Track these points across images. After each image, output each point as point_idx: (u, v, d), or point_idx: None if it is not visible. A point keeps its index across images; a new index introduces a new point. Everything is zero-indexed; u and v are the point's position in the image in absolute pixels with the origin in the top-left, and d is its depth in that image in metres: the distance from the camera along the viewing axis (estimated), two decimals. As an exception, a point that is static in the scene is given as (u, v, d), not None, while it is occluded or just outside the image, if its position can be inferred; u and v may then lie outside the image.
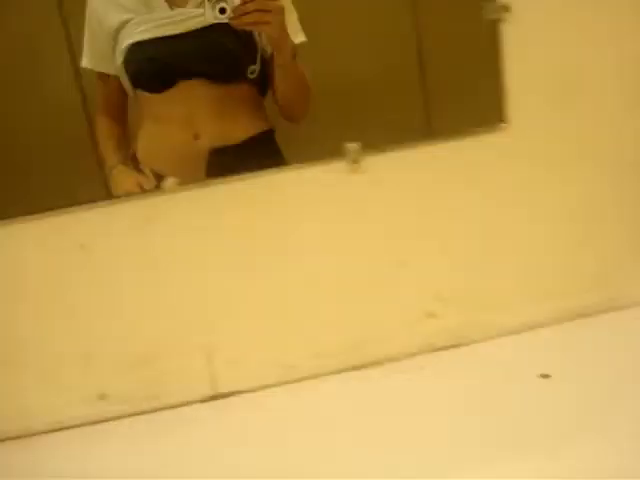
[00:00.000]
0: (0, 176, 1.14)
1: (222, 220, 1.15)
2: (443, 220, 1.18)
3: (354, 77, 1.15)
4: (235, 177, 1.12)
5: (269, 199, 1.15)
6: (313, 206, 1.16)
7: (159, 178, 1.15)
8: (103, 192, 1.15)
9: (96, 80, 1.13)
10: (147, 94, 1.12)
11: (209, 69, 1.10)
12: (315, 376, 1.19)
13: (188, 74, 1.10)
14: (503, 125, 1.14)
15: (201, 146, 1.13)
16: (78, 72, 1.13)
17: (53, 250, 1.14)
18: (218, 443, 1.11)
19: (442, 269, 1.19)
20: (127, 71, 1.11)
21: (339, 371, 1.20)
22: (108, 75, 1.13)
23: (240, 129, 1.14)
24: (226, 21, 1.06)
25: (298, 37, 1.11)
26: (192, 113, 1.12)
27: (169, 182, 1.10)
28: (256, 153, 1.15)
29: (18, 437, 1.18)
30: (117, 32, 1.10)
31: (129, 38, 1.09)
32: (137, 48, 1.09)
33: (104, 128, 1.16)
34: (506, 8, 1.09)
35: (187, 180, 1.13)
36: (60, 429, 1.18)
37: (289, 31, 1.09)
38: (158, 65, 1.11)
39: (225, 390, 1.20)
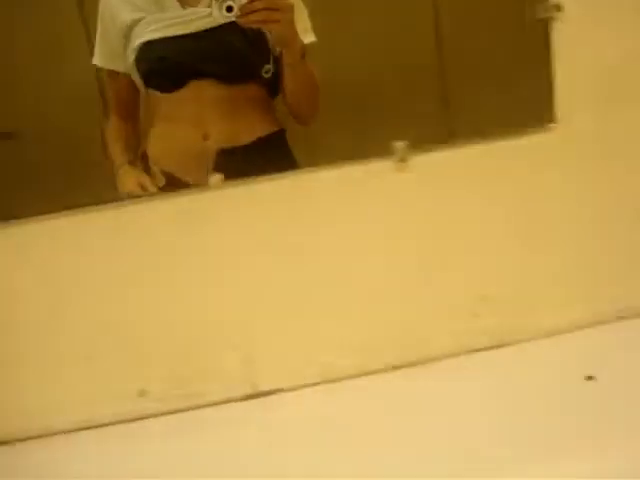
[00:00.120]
0: (30, 173, 1.13)
1: (264, 218, 1.14)
2: (489, 220, 1.17)
3: (390, 75, 1.15)
4: (278, 175, 1.11)
5: (312, 197, 1.14)
6: (358, 205, 1.15)
7: (169, 178, 1.14)
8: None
9: (106, 78, 1.13)
10: (158, 93, 1.12)
11: (219, 70, 1.10)
12: (356, 375, 1.18)
13: (198, 74, 1.10)
14: (552, 125, 1.13)
15: (209, 146, 1.13)
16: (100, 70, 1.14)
17: (95, 246, 1.12)
18: (257, 442, 1.10)
19: (487, 269, 1.18)
20: (138, 70, 1.11)
21: (380, 371, 1.19)
22: (119, 73, 1.12)
23: (249, 130, 1.14)
24: (233, 19, 1.05)
25: (307, 37, 1.10)
26: (202, 113, 1.12)
27: (215, 179, 1.09)
28: (265, 154, 1.14)
29: (53, 434, 1.16)
30: (129, 30, 1.10)
31: (141, 37, 1.09)
32: (148, 47, 1.09)
33: (113, 128, 1.16)
34: (558, 7, 1.08)
35: (195, 181, 1.12)
36: (97, 426, 1.17)
37: (298, 30, 1.08)
38: (169, 65, 1.10)
39: (264, 388, 1.19)
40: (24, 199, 1.12)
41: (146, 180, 1.16)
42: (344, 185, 1.14)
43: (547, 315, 1.20)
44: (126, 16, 1.10)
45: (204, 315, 1.16)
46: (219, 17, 1.05)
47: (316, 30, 1.14)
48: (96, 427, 1.16)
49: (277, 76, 1.13)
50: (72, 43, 1.14)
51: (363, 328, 1.19)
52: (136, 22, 1.09)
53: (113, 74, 1.13)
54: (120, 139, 1.16)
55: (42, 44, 1.13)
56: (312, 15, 1.14)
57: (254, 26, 1.06)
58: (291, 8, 1.06)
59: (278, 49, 1.11)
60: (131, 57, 1.10)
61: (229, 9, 1.04)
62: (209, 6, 1.07)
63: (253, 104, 1.13)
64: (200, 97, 1.11)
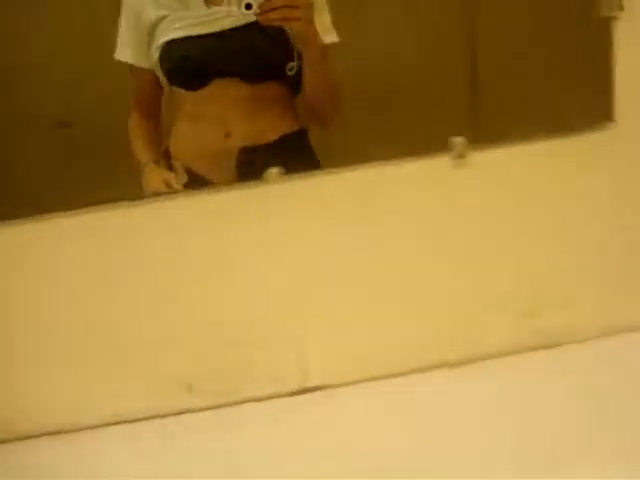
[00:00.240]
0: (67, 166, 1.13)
1: (321, 213, 1.13)
2: (544, 218, 1.17)
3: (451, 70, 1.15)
4: (338, 169, 1.11)
5: (369, 193, 1.13)
6: (414, 201, 1.15)
7: (192, 175, 1.14)
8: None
9: (130, 73, 1.12)
10: (182, 91, 1.12)
11: (242, 69, 1.10)
12: (408, 373, 1.18)
13: (222, 73, 1.10)
14: (611, 124, 1.13)
15: (232, 145, 1.13)
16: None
17: (149, 235, 1.11)
18: (306, 438, 1.10)
19: (542, 267, 1.18)
20: (162, 68, 1.11)
21: (432, 368, 1.18)
22: (142, 69, 1.12)
23: (271, 129, 1.14)
24: (253, 17, 1.05)
25: (329, 37, 1.10)
26: (224, 112, 1.12)
27: (273, 172, 1.09)
28: (287, 153, 1.14)
29: (112, 424, 1.15)
30: (153, 27, 1.10)
31: (165, 35, 1.09)
32: (172, 46, 1.09)
33: (135, 126, 1.16)
34: (621, 6, 1.08)
35: (218, 178, 1.12)
36: (145, 419, 1.16)
37: (319, 29, 1.08)
38: (192, 64, 1.11)
39: (315, 384, 1.18)
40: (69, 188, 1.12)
41: (171, 178, 1.16)
42: (400, 181, 1.14)
43: (602, 314, 1.20)
44: (150, 13, 1.10)
45: (256, 308, 1.15)
46: (238, 15, 1.06)
47: (348, 28, 1.13)
48: (135, 421, 1.15)
49: (300, 75, 1.13)
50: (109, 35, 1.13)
51: (414, 326, 1.18)
52: (160, 19, 1.09)
53: (137, 70, 1.13)
54: (143, 137, 1.16)
55: (79, 35, 1.13)
56: (342, 13, 1.13)
57: (274, 24, 1.06)
58: (310, 6, 1.06)
59: (298, 47, 1.11)
60: (155, 55, 1.11)
61: (248, 7, 1.04)
62: (233, 5, 1.07)
63: (275, 103, 1.14)
64: (223, 96, 1.11)
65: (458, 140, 1.11)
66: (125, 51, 1.11)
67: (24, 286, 1.12)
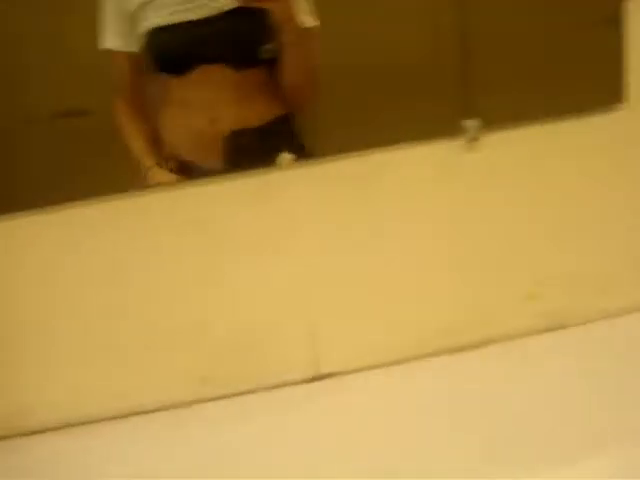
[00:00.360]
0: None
1: (330, 199, 1.12)
2: (553, 201, 1.17)
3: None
4: (345, 154, 1.10)
5: (378, 177, 1.12)
6: (425, 184, 1.14)
7: (181, 162, 1.12)
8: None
9: (113, 61, 1.10)
10: (168, 77, 1.10)
11: (227, 55, 1.09)
12: (418, 358, 1.18)
13: (207, 59, 1.09)
14: (621, 105, 1.13)
15: (218, 130, 1.11)
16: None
17: (156, 228, 1.10)
18: (318, 425, 1.10)
19: (546, 251, 1.18)
20: (147, 54, 1.09)
21: (439, 353, 1.18)
22: (125, 53, 1.10)
23: (257, 114, 1.13)
24: (236, 3, 1.04)
25: (309, 21, 1.09)
26: (211, 97, 1.11)
27: (284, 158, 1.08)
28: (273, 138, 1.14)
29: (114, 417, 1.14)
30: (136, 13, 1.08)
31: (149, 22, 1.08)
32: (157, 32, 1.08)
33: (127, 121, 1.13)
34: (633, -12, 1.08)
35: (206, 164, 1.12)
36: (159, 410, 1.15)
37: (300, 13, 1.07)
38: (178, 50, 1.10)
39: (327, 371, 1.17)
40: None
41: (174, 180, 1.14)
42: (410, 165, 1.13)
43: (605, 297, 1.21)
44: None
45: (268, 297, 1.14)
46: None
47: (339, 10, 1.11)
48: (150, 412, 1.14)
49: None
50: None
51: (424, 311, 1.18)
52: (143, 5, 1.08)
53: (119, 56, 1.11)
54: (140, 138, 1.14)
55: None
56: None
57: (254, 5, 1.05)
58: None
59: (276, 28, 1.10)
60: (139, 42, 1.09)
61: None
62: None
63: (261, 88, 1.13)
64: (209, 82, 1.10)
65: (471, 123, 1.10)
66: (108, 38, 1.09)
67: (27, 280, 1.09)
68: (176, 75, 1.10)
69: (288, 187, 1.10)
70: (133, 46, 1.09)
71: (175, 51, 1.09)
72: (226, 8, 1.06)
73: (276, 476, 1.02)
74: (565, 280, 1.20)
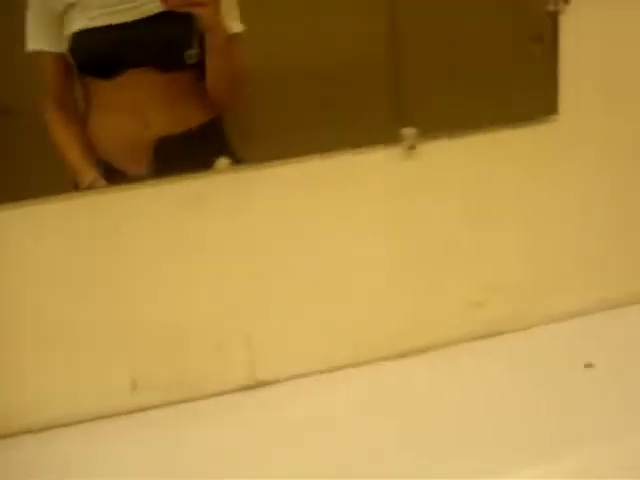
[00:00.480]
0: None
1: (268, 204, 1.12)
2: (492, 208, 1.18)
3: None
4: (290, 160, 1.10)
5: (318, 183, 1.12)
6: (363, 191, 1.14)
7: (107, 166, 1.11)
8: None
9: (41, 64, 1.09)
10: (96, 81, 1.10)
11: (155, 58, 1.09)
12: (357, 364, 1.18)
13: (133, 63, 1.08)
14: (555, 117, 1.15)
15: (148, 135, 1.11)
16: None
17: (88, 232, 1.08)
18: (254, 433, 1.08)
19: (489, 258, 1.19)
20: (73, 58, 1.08)
21: (382, 359, 1.18)
22: (52, 54, 1.09)
23: (187, 118, 1.13)
24: (162, 7, 1.05)
25: (235, 26, 1.10)
26: (140, 102, 1.11)
27: (221, 163, 1.07)
28: (203, 141, 1.14)
29: (43, 429, 1.12)
30: (62, 15, 1.07)
31: (75, 24, 1.07)
32: (84, 35, 1.07)
33: (59, 127, 1.12)
34: (566, 0, 1.10)
35: (135, 171, 1.11)
36: (93, 419, 1.13)
37: (226, 19, 1.08)
38: (103, 54, 1.09)
39: (263, 378, 1.17)
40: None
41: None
42: (350, 171, 1.13)
43: (549, 303, 1.22)
44: (58, 1, 1.07)
45: (203, 303, 1.13)
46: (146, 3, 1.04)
47: (265, 15, 1.11)
48: (89, 421, 1.13)
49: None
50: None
51: (364, 317, 1.18)
52: (69, 7, 1.07)
53: (48, 57, 1.09)
54: (75, 147, 1.12)
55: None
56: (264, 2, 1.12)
57: (179, 9, 1.05)
58: None
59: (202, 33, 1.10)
60: (65, 44, 1.08)
61: None
62: None
63: (191, 92, 1.13)
64: (138, 85, 1.10)
65: (409, 131, 1.11)
66: (34, 39, 1.08)
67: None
68: (103, 78, 1.08)
69: (222, 191, 1.09)
70: (60, 47, 1.08)
71: (101, 54, 1.09)
72: (152, 12, 1.06)
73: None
74: (508, 286, 1.21)
